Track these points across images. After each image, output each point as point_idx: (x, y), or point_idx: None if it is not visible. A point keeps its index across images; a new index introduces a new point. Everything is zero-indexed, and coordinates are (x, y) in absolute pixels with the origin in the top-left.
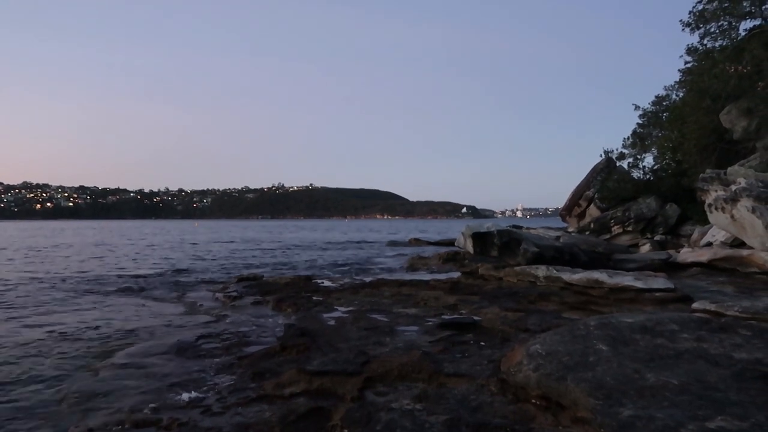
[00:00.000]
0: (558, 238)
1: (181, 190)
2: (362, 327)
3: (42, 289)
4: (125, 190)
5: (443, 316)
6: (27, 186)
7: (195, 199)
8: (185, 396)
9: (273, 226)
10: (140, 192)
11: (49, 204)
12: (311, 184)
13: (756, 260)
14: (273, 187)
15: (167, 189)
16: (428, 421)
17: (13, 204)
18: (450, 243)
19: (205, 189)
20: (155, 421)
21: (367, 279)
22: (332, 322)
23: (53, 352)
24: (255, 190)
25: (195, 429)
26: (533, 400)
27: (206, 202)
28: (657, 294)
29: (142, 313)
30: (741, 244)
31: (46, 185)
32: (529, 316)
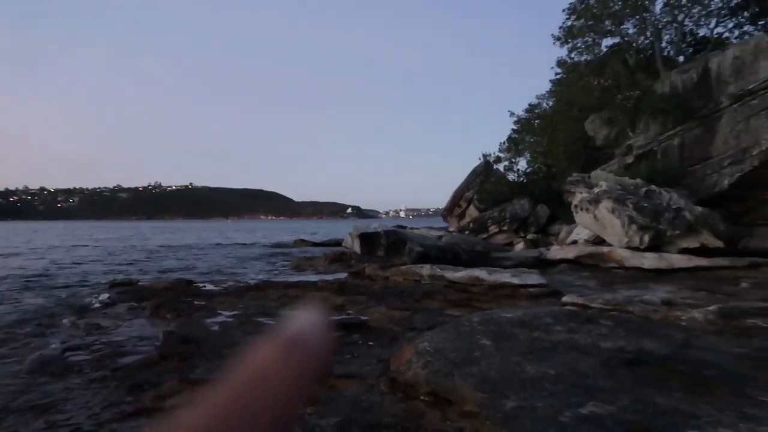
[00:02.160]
0: (440, 237)
1: (43, 189)
2: (248, 331)
3: None
4: None
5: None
6: None
7: (60, 199)
8: (51, 415)
9: (149, 228)
10: None
11: None
12: (191, 184)
13: (615, 256)
14: (149, 186)
15: (26, 188)
16: (319, 425)
17: None
18: (336, 243)
19: (72, 188)
20: None
21: (252, 281)
22: (216, 328)
23: None
24: (129, 190)
25: None
26: (422, 397)
27: (73, 201)
28: (531, 289)
29: None
30: (602, 242)
31: None
32: (415, 315)
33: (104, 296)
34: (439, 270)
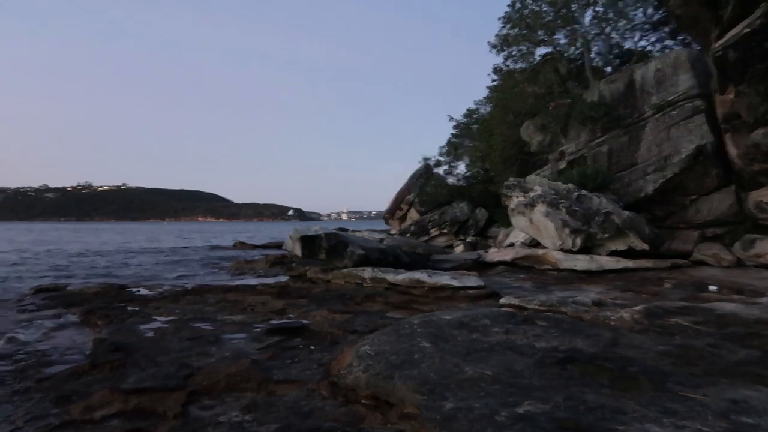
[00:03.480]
0: (382, 240)
1: None
2: (185, 337)
3: None
4: None
5: (271, 321)
6: None
7: None
8: None
9: (78, 230)
10: None
11: None
12: (124, 184)
13: (549, 258)
14: (78, 186)
15: None
16: None
17: None
18: (277, 246)
19: None
20: None
21: (189, 285)
22: (150, 334)
23: None
24: (56, 189)
25: None
26: (363, 401)
27: None
28: (470, 291)
29: None
30: (537, 245)
31: None
32: (356, 318)
33: (29, 302)
34: (380, 273)
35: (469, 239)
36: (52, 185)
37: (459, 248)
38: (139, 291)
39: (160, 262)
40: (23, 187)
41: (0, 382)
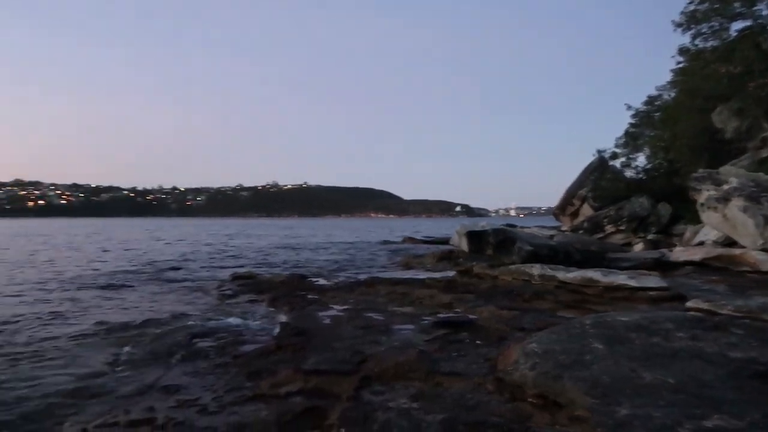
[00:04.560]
0: (552, 236)
1: (174, 188)
2: (357, 326)
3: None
4: (118, 188)
5: (438, 315)
6: (19, 183)
7: (189, 197)
8: (180, 395)
9: (267, 225)
10: (133, 190)
11: (41, 201)
12: (305, 183)
13: (748, 259)
14: (267, 185)
15: (161, 187)
16: (425, 420)
17: (5, 201)
18: (444, 242)
19: (199, 187)
20: (150, 420)
21: (362, 277)
22: (327, 321)
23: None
24: (249, 189)
25: (191, 428)
26: (530, 399)
27: (200, 200)
28: (651, 292)
29: (133, 312)
30: (733, 243)
31: (38, 183)
32: (524, 315)
33: (227, 287)
34: (550, 270)
35: (649, 237)
36: (245, 185)
37: (638, 246)
38: (317, 281)
39: (335, 254)
40: (223, 187)
41: (205, 356)
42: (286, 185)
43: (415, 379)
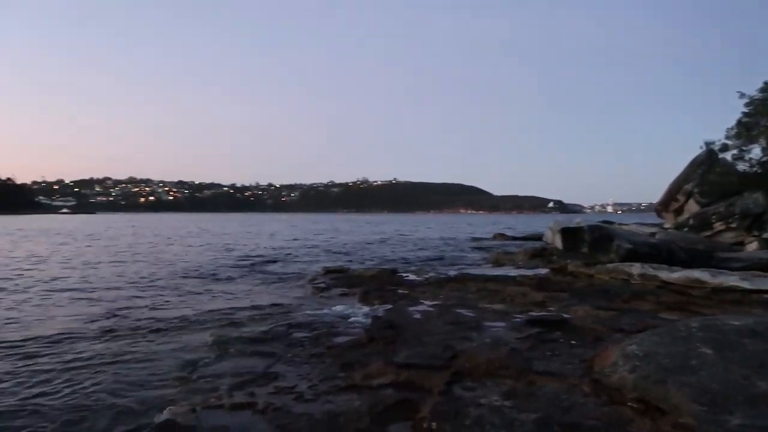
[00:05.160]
0: (653, 234)
1: (270, 185)
2: (448, 321)
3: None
4: (219, 185)
5: (531, 313)
6: (132, 181)
7: (283, 194)
8: (278, 382)
9: (356, 220)
10: (233, 186)
11: (151, 198)
12: (395, 179)
13: None
14: (357, 181)
15: (257, 183)
16: (518, 419)
17: (120, 198)
18: (536, 238)
19: (293, 183)
20: (251, 404)
21: (452, 273)
22: (418, 316)
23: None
24: (340, 185)
25: (288, 414)
26: (629, 403)
27: (294, 196)
28: (766, 295)
29: (234, 303)
30: None
31: (149, 180)
32: (622, 315)
33: (320, 281)
34: (651, 269)
35: (765, 235)
36: (336, 181)
37: (751, 246)
38: (407, 276)
39: (425, 250)
40: (315, 184)
41: (302, 345)
42: (375, 181)
43: (507, 377)
